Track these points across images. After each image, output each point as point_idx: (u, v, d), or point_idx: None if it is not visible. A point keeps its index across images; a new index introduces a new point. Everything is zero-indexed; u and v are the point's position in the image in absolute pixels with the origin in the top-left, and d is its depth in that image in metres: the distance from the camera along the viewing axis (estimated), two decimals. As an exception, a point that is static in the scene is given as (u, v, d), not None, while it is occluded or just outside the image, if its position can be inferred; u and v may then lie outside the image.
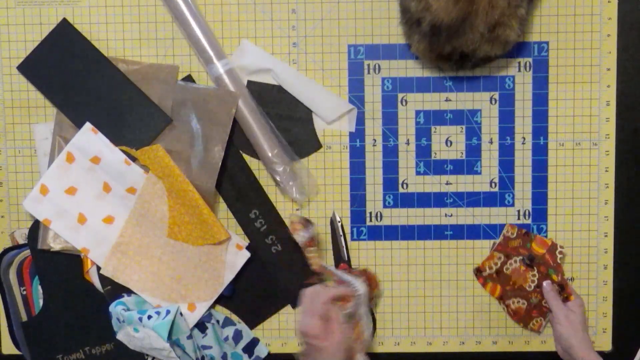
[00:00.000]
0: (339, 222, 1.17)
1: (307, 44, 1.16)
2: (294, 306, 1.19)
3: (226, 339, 1.18)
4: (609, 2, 1.14)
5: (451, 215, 1.17)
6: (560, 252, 1.14)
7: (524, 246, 1.15)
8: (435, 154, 1.17)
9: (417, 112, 1.16)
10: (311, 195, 1.17)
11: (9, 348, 1.19)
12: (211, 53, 1.13)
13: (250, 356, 1.19)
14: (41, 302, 1.17)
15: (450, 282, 1.19)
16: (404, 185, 1.18)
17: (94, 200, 1.13)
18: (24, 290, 1.18)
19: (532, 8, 1.12)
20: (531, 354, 1.19)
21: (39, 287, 1.17)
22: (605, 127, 1.16)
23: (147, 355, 1.16)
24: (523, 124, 1.16)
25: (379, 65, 1.16)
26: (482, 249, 1.18)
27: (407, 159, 1.17)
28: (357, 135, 1.17)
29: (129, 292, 1.14)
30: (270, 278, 1.18)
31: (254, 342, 1.19)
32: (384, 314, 1.19)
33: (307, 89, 1.15)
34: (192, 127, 1.13)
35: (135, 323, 1.10)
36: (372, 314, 1.18)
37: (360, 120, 1.17)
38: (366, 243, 1.18)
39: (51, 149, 1.14)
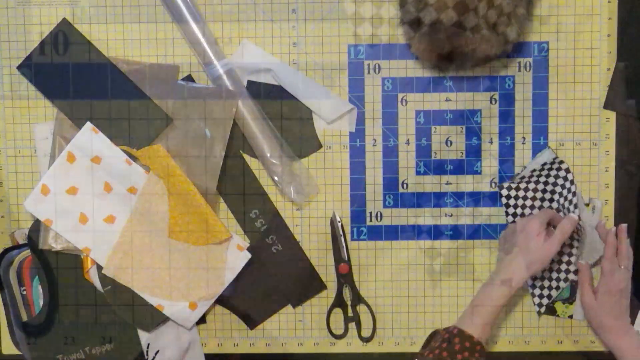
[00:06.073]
0: (339, 222, 1.17)
1: (307, 44, 1.16)
2: (294, 306, 1.19)
3: None
4: (609, 2, 1.14)
5: (451, 215, 1.18)
6: None
7: None
8: (435, 154, 1.17)
9: (417, 112, 1.16)
10: (311, 196, 1.17)
11: (9, 348, 1.19)
12: (211, 53, 1.13)
13: None
14: (41, 302, 1.17)
15: (450, 282, 1.19)
16: (404, 185, 1.18)
17: (95, 200, 1.13)
18: (24, 290, 1.17)
19: (532, 7, 1.12)
20: (531, 353, 1.19)
21: (39, 287, 1.17)
22: (605, 127, 1.16)
23: (147, 354, 1.17)
24: (523, 124, 1.16)
25: (379, 65, 1.16)
26: (482, 248, 1.18)
27: (407, 159, 1.17)
28: (357, 135, 1.17)
29: (130, 292, 1.14)
30: (270, 278, 1.18)
31: None
32: (384, 314, 1.19)
33: (307, 89, 1.15)
34: (193, 127, 1.13)
35: None
36: (372, 314, 1.18)
37: (360, 120, 1.17)
38: (366, 243, 1.18)
39: (52, 149, 1.14)
